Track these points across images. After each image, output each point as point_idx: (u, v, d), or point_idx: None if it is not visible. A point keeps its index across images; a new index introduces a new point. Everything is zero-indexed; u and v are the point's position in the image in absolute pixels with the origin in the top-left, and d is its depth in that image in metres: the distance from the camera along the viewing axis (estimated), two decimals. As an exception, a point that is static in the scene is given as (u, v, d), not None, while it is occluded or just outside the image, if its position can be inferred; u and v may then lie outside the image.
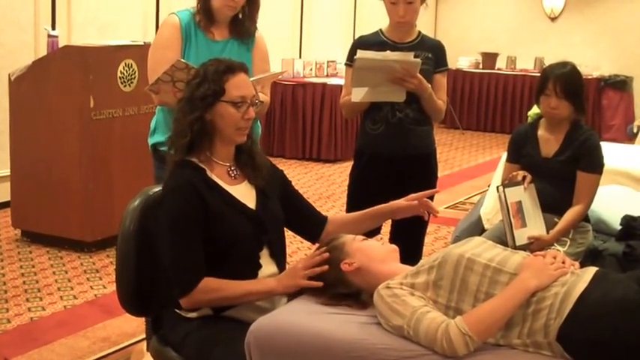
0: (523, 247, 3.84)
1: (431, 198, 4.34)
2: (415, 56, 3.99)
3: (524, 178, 4.08)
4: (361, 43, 4.21)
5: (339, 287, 2.81)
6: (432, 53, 4.17)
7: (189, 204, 2.83)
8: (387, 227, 4.26)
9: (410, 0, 4.03)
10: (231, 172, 2.99)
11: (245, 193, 2.98)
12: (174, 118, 2.99)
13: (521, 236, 3.99)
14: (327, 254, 2.85)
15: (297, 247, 6.34)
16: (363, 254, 2.86)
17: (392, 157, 4.15)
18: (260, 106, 3.09)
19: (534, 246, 3.93)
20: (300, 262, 2.88)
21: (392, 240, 3.85)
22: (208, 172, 2.92)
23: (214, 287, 2.82)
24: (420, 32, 4.24)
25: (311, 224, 3.21)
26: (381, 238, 4.19)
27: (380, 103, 4.07)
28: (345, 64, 4.26)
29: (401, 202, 3.17)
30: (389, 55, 3.91)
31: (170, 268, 2.84)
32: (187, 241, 2.82)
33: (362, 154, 4.27)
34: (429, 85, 4.02)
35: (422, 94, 4.02)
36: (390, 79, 3.90)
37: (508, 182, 4.10)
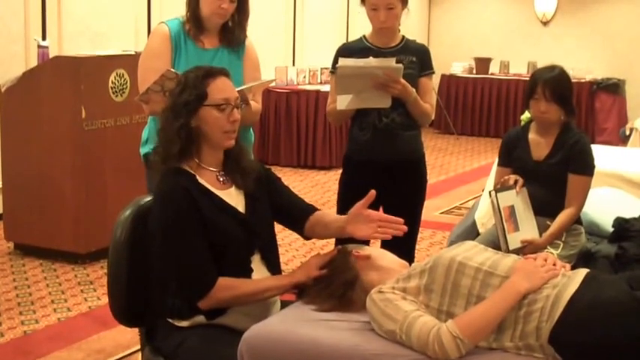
0: (516, 251, 3.84)
1: (417, 205, 4.30)
2: (398, 61, 3.98)
3: (516, 182, 4.07)
4: (345, 50, 4.19)
5: (341, 274, 2.85)
6: (417, 57, 4.15)
7: (186, 206, 2.83)
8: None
9: (390, 6, 4.00)
10: (219, 177, 2.99)
11: (234, 198, 2.99)
12: (159, 127, 2.99)
13: (515, 240, 3.98)
14: (340, 247, 2.99)
15: (293, 255, 6.35)
16: (377, 251, 2.99)
17: (380, 162, 4.12)
18: (244, 108, 3.09)
19: (527, 249, 3.92)
20: (314, 257, 2.98)
21: (382, 245, 3.84)
22: (198, 178, 2.92)
23: (232, 285, 2.85)
24: (403, 37, 4.22)
25: (295, 219, 3.17)
26: None
27: (366, 110, 4.05)
28: (330, 72, 4.25)
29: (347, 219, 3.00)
30: (371, 61, 3.89)
31: (180, 273, 2.84)
32: (193, 242, 2.83)
33: (350, 160, 4.25)
34: (414, 90, 4.00)
35: (407, 99, 3.99)
36: (373, 86, 3.88)
37: (500, 187, 4.10)
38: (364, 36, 4.23)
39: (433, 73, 4.28)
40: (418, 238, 6.78)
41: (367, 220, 2.94)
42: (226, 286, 2.84)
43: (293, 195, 3.22)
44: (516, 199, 4.03)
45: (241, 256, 2.94)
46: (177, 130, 2.88)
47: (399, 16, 4.10)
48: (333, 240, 3.78)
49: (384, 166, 4.12)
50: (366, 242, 3.67)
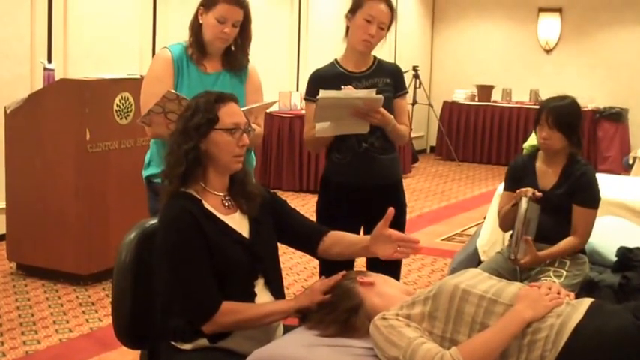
0: (518, 261, 3.95)
1: (398, 228, 4.30)
2: (374, 84, 4.00)
3: (533, 194, 4.07)
4: (318, 76, 4.16)
5: (345, 300, 2.85)
6: (391, 78, 4.14)
7: (191, 232, 2.84)
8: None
9: (383, 25, 4.01)
10: (225, 202, 3.00)
11: (239, 223, 3.00)
12: (167, 151, 3.01)
13: (523, 250, 4.00)
14: (344, 272, 2.99)
15: (294, 279, 6.34)
16: (381, 278, 2.97)
17: (359, 186, 4.08)
18: (253, 133, 3.11)
19: (526, 260, 3.96)
20: (318, 282, 2.99)
21: (369, 267, 3.86)
22: (204, 203, 2.93)
23: (235, 309, 2.85)
24: (375, 58, 4.19)
25: (307, 239, 3.22)
26: None
27: (345, 135, 4.06)
28: (305, 99, 4.21)
29: (373, 242, 3.07)
30: (352, 93, 3.86)
31: (184, 297, 2.85)
32: (197, 267, 2.83)
33: (329, 181, 4.19)
34: (392, 117, 3.98)
35: (386, 127, 3.98)
36: (353, 114, 3.86)
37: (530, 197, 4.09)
38: (336, 60, 4.22)
39: (407, 92, 4.28)
40: (419, 265, 6.84)
41: (388, 239, 3.01)
42: (230, 310, 2.84)
43: (302, 217, 3.27)
44: (534, 216, 4.03)
45: (245, 280, 2.94)
46: (186, 152, 2.90)
47: (380, 41, 4.11)
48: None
49: (363, 189, 4.10)
50: (351, 265, 3.68)
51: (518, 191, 4.11)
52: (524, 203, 4.01)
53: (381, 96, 3.87)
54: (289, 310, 2.94)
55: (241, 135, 2.96)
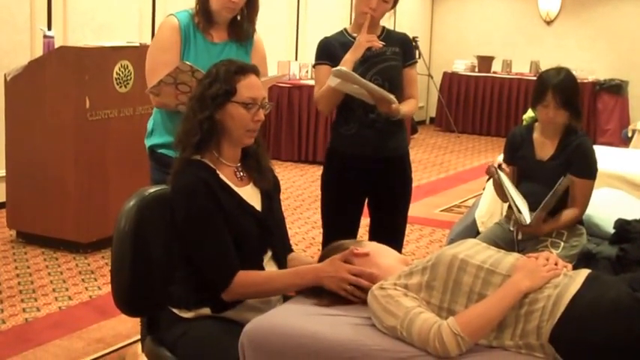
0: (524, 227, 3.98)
1: (403, 200, 4.31)
2: (381, 52, 4.00)
3: (500, 165, 4.16)
4: (326, 43, 4.16)
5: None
6: (400, 47, 4.13)
7: (208, 200, 2.85)
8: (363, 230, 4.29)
9: None
10: (237, 173, 3.01)
11: (251, 195, 3.01)
12: (183, 117, 3.02)
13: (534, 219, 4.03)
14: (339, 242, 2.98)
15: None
16: (377, 248, 2.96)
17: (366, 157, 4.08)
18: (270, 108, 3.11)
19: (530, 227, 4.00)
20: (337, 257, 2.86)
21: (371, 237, 3.87)
22: (219, 174, 2.94)
23: (253, 282, 2.86)
24: (384, 27, 4.18)
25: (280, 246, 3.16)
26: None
27: (352, 105, 4.02)
28: (315, 65, 4.21)
29: None
30: (372, 86, 3.85)
31: (203, 266, 2.87)
32: (215, 236, 2.85)
33: (335, 153, 4.20)
34: (400, 110, 3.95)
35: (395, 116, 4.00)
36: (364, 92, 3.87)
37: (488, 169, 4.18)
38: (345, 29, 4.20)
39: (416, 62, 4.26)
40: (417, 236, 6.86)
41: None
42: (247, 282, 2.85)
43: (284, 223, 3.23)
44: (562, 188, 4.05)
45: (255, 253, 2.95)
46: (201, 121, 2.90)
47: (386, 12, 4.09)
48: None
49: (370, 160, 4.09)
50: (354, 237, 3.69)
51: (488, 165, 4.17)
52: (499, 173, 4.08)
53: (392, 97, 3.86)
54: (306, 287, 2.89)
55: (257, 110, 2.96)
